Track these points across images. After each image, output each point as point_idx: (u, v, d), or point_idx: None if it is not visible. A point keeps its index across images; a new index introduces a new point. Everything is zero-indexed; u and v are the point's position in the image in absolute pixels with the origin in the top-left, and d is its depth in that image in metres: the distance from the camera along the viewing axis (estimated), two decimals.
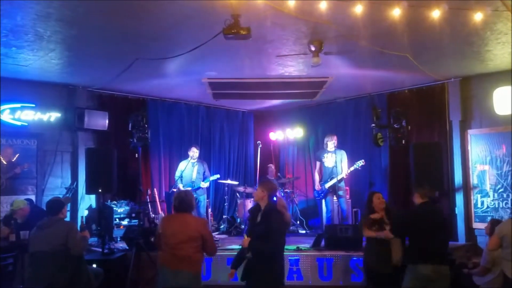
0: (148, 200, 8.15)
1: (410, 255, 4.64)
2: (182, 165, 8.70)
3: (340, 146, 8.32)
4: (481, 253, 5.60)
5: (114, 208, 7.80)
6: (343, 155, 8.23)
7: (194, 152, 8.69)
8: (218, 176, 9.04)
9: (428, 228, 4.56)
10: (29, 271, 4.83)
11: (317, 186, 8.39)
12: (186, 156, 8.83)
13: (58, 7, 4.54)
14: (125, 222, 7.84)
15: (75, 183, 7.91)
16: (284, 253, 4.74)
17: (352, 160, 8.28)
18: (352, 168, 8.02)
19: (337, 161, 7.99)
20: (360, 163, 7.95)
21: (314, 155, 9.62)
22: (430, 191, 4.89)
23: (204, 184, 8.67)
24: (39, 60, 6.33)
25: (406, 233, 4.76)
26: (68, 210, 6.42)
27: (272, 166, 9.86)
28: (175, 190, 8.59)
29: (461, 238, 7.57)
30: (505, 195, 7.21)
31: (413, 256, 4.56)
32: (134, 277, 6.48)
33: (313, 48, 5.65)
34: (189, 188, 8.09)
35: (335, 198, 8.12)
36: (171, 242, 4.22)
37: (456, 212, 7.69)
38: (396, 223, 4.94)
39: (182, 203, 4.35)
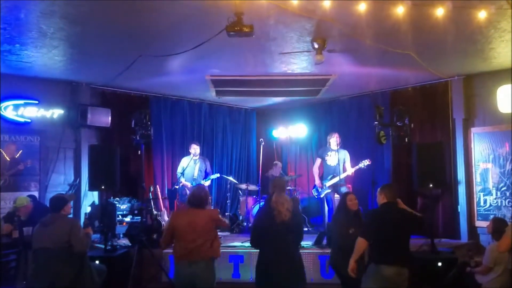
0: (151, 197, 8.15)
1: (374, 255, 4.50)
2: (184, 161, 8.66)
3: (342, 144, 8.27)
4: (483, 251, 5.60)
5: (117, 205, 7.82)
6: (346, 155, 8.20)
7: (194, 149, 8.63)
8: (218, 175, 9.02)
9: (392, 229, 4.45)
10: (32, 268, 4.84)
11: (318, 183, 8.33)
12: (189, 153, 8.80)
13: (62, 5, 4.55)
14: (127, 219, 7.86)
15: (78, 180, 7.94)
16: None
17: (355, 158, 8.27)
18: (357, 167, 7.96)
19: (339, 160, 7.96)
20: (366, 162, 7.88)
21: (316, 152, 9.60)
22: (396, 194, 4.73)
23: (205, 183, 8.61)
24: (43, 57, 6.35)
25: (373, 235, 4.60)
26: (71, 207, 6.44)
27: (278, 163, 9.85)
28: (177, 187, 8.60)
29: (464, 237, 7.57)
30: (508, 194, 7.20)
31: (377, 257, 4.44)
32: (136, 274, 6.50)
33: (316, 46, 5.64)
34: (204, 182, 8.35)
35: (336, 195, 8.11)
36: (184, 236, 4.40)
37: (459, 210, 7.69)
38: (365, 225, 4.80)
39: (196, 199, 4.56)
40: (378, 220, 4.60)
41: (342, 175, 7.93)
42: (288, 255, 4.46)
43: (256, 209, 8.18)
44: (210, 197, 4.82)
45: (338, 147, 8.04)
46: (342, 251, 5.01)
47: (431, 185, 6.71)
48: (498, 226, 5.38)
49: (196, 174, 8.57)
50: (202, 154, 9.02)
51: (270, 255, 4.50)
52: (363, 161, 7.91)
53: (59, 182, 7.92)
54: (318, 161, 8.47)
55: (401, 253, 4.46)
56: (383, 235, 4.45)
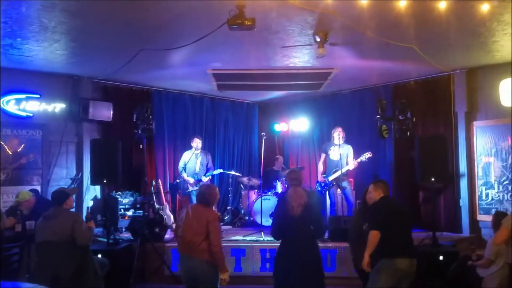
0: (153, 191, 8.16)
1: (385, 249, 4.43)
2: (186, 155, 8.62)
3: (345, 138, 8.23)
4: (485, 245, 5.60)
5: (119, 199, 7.82)
6: (349, 150, 8.11)
7: (197, 143, 8.58)
8: (221, 170, 9.01)
9: (397, 221, 4.53)
10: (35, 261, 4.87)
11: (320, 178, 8.32)
12: (190, 147, 8.76)
13: None
14: (130, 213, 7.87)
15: (80, 174, 7.96)
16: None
17: (357, 152, 8.22)
18: (358, 160, 7.89)
19: (342, 155, 7.93)
20: (367, 155, 7.80)
21: (320, 146, 9.57)
22: (389, 188, 4.86)
23: (205, 178, 8.53)
24: (44, 50, 6.34)
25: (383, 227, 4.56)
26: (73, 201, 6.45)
27: (280, 157, 9.85)
28: (179, 181, 8.60)
29: (465, 230, 7.58)
30: (510, 187, 7.19)
31: (389, 251, 4.41)
32: (139, 268, 6.54)
33: (318, 39, 5.62)
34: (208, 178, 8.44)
35: (338, 190, 8.11)
36: (182, 229, 4.50)
37: (461, 204, 7.69)
38: (374, 218, 4.70)
39: (200, 195, 4.69)
40: (383, 213, 4.60)
41: (344, 169, 7.89)
42: (304, 248, 4.50)
43: (258, 203, 8.19)
44: (217, 196, 4.81)
45: (342, 141, 8.01)
46: (356, 248, 5.00)
47: (433, 179, 6.68)
48: (500, 220, 5.37)
49: (197, 168, 8.54)
50: (204, 148, 9.00)
51: (287, 247, 4.58)
52: (364, 154, 7.84)
53: (61, 176, 7.94)
54: (323, 156, 8.43)
55: (409, 245, 4.54)
56: (391, 228, 4.46)
